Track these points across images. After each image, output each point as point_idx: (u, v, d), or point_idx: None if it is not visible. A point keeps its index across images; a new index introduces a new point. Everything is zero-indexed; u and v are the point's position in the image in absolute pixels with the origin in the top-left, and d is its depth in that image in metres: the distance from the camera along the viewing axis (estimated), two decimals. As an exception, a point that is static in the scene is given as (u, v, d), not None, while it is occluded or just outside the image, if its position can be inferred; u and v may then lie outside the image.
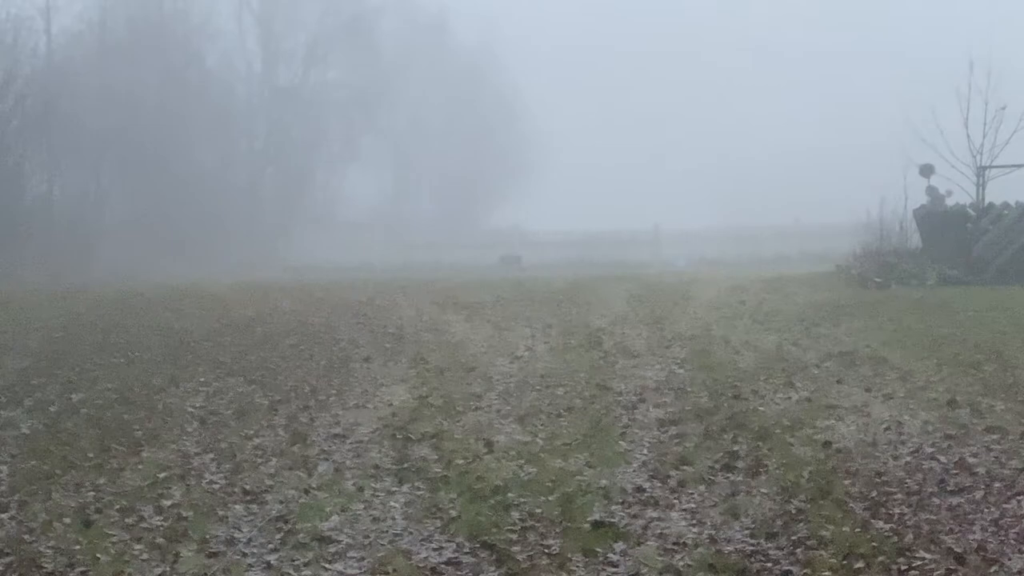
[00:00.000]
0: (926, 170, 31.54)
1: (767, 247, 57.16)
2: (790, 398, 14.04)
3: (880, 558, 7.97)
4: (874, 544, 8.26)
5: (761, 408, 13.47)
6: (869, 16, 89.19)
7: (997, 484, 9.81)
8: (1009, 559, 7.88)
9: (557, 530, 9.04)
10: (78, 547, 8.82)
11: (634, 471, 10.86)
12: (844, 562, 7.94)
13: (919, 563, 7.85)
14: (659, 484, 10.38)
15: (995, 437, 11.52)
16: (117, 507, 9.92)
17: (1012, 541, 8.29)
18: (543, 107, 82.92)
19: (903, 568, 7.78)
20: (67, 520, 9.52)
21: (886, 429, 12.07)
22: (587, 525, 9.11)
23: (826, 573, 7.77)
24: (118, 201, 55.17)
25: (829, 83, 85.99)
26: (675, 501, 9.82)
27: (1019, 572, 7.63)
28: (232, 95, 66.30)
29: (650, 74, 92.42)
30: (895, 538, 8.45)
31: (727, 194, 76.47)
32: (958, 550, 8.05)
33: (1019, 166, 30.82)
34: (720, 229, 66.30)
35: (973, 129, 30.62)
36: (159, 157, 55.14)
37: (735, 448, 11.51)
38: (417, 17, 76.86)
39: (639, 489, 10.19)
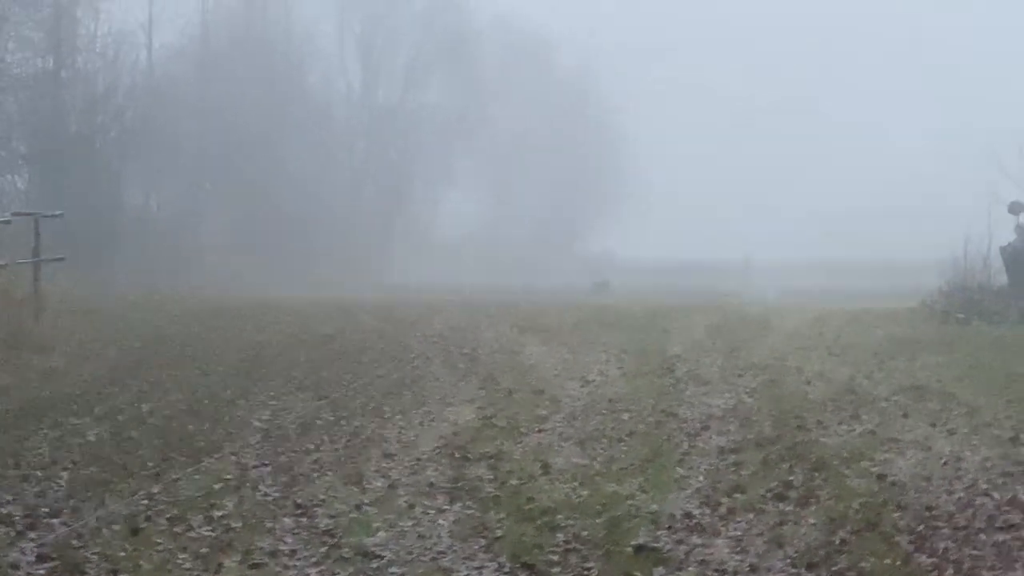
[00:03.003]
0: (1016, 208, 31.15)
1: (858, 281, 56.70)
2: (853, 430, 13.94)
3: (917, 592, 7.91)
4: (912, 578, 8.20)
5: (823, 439, 13.39)
6: (956, 53, 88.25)
7: (1047, 523, 9.71)
8: (1045, 598, 7.80)
9: (599, 553, 9.05)
10: (123, 554, 8.93)
11: (686, 497, 10.85)
12: (880, 595, 7.89)
13: (955, 598, 7.78)
14: (709, 511, 10.35)
15: (1052, 475, 11.41)
16: (168, 516, 10.04)
17: (1052, 579, 8.20)
18: (643, 134, 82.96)
19: (938, 603, 7.72)
20: (116, 527, 9.64)
21: (944, 464, 11.96)
22: (629, 549, 9.10)
23: (862, 604, 7.71)
24: (215, 215, 55.68)
25: (918, 119, 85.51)
26: (722, 528, 9.79)
27: (1054, 611, 7.54)
28: (331, 114, 66.74)
29: (751, 120, 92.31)
30: (935, 572, 8.40)
31: (821, 227, 76.10)
32: (994, 587, 7.98)
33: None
34: (812, 262, 65.97)
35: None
36: (257, 173, 55.65)
37: (790, 478, 11.45)
38: (518, 41, 77.11)
39: (688, 515, 10.17)
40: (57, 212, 26.58)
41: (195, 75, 56.33)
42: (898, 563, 8.58)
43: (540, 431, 14.11)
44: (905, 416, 14.82)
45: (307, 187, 60.62)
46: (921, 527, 9.60)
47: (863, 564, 8.59)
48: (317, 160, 63.17)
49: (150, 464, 11.94)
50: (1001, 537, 9.29)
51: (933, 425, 14.19)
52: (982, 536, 9.33)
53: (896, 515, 9.96)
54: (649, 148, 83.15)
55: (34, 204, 39.95)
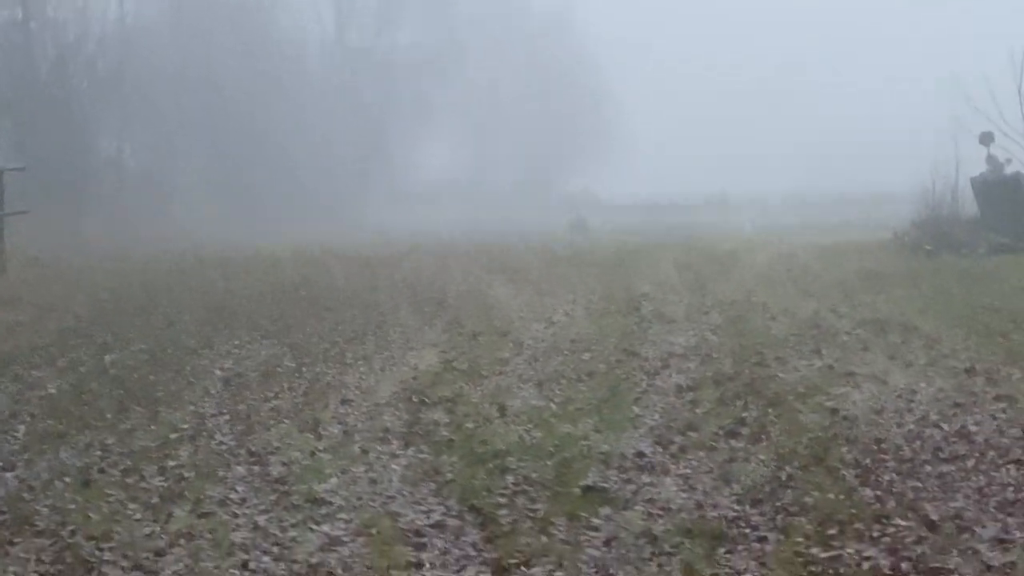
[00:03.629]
0: (986, 138, 31.18)
1: (834, 213, 56.77)
2: (813, 365, 14.02)
3: (856, 525, 7.97)
4: (853, 511, 8.25)
5: (781, 375, 13.46)
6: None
7: (992, 452, 9.78)
8: (984, 527, 7.86)
9: (547, 494, 9.08)
10: (74, 506, 8.94)
11: (640, 436, 10.90)
12: (819, 528, 7.94)
13: (893, 530, 7.84)
14: (661, 450, 10.40)
15: (1002, 406, 11.48)
16: (121, 467, 10.06)
17: (991, 509, 8.26)
18: (622, 73, 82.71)
19: (876, 535, 7.77)
20: (68, 479, 9.66)
21: (898, 397, 12.05)
22: (578, 490, 9.15)
23: (799, 539, 7.77)
24: (190, 164, 55.55)
25: (884, 53, 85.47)
26: (672, 467, 9.84)
27: (991, 539, 7.60)
28: (305, 58, 66.47)
29: (727, 44, 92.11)
30: (877, 505, 8.45)
31: (796, 160, 76.09)
32: (934, 518, 8.04)
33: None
34: (788, 195, 66.02)
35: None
36: (231, 121, 55.47)
37: (744, 415, 11.52)
38: (492, -24, 76.65)
39: (639, 455, 10.22)
40: (19, 166, 26.47)
41: (166, 22, 56.05)
42: (841, 497, 8.64)
43: (500, 373, 14.15)
44: (865, 350, 14.91)
45: (282, 133, 60.43)
46: (868, 460, 9.68)
47: (807, 499, 8.65)
48: (291, 105, 62.92)
49: (107, 415, 11.95)
50: (945, 468, 9.36)
51: (892, 358, 14.28)
52: (927, 468, 9.41)
53: (844, 449, 10.04)
54: (628, 86, 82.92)
55: (4, 156, 39.86)
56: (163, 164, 52.85)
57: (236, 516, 8.79)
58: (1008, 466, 9.35)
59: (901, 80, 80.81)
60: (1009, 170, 31.00)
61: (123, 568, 7.67)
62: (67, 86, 46.90)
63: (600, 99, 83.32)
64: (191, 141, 55.34)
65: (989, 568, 7.10)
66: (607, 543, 7.98)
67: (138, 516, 8.76)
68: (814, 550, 7.55)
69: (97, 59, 48.08)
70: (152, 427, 11.51)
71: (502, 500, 8.98)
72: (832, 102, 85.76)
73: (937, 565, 7.17)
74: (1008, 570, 7.06)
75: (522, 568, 7.55)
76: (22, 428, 11.55)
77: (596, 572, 7.44)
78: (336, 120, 66.64)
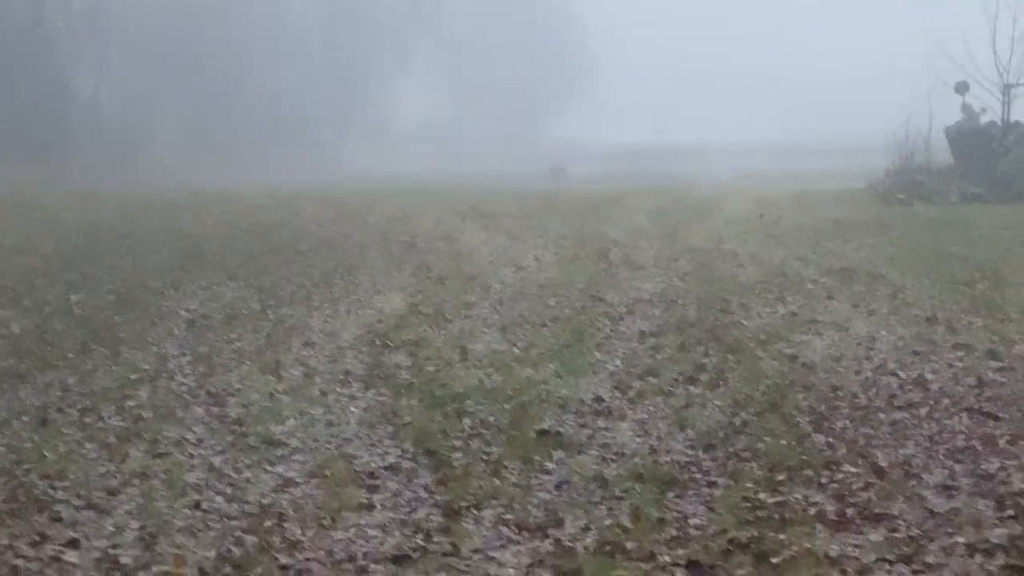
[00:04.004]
0: (961, 87, 31.24)
1: (812, 162, 56.77)
2: (776, 312, 14.06)
3: (806, 471, 8.02)
4: (804, 457, 8.30)
5: (744, 322, 13.50)
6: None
7: (946, 400, 9.83)
8: (931, 473, 7.91)
9: (502, 438, 9.12)
10: (30, 445, 8.95)
11: (599, 381, 10.94)
12: (769, 474, 7.99)
13: (841, 476, 7.89)
14: (619, 395, 10.44)
15: (960, 354, 11.53)
16: (80, 407, 10.06)
17: (940, 456, 8.31)
18: (602, 17, 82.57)
19: (824, 481, 7.82)
20: (26, 418, 9.66)
21: (858, 345, 12.10)
22: (533, 434, 9.18)
23: (748, 484, 7.81)
24: (169, 108, 55.35)
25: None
26: (629, 412, 9.89)
27: (937, 486, 7.65)
28: (288, 5, 66.23)
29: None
30: (828, 452, 8.50)
31: (775, 109, 76.08)
32: (883, 464, 8.09)
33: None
34: (767, 144, 66.04)
35: (1000, 46, 30.46)
36: (212, 65, 55.27)
37: (704, 361, 11.56)
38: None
39: (598, 399, 10.26)
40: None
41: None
42: (793, 443, 8.69)
43: (465, 317, 14.17)
44: (829, 298, 14.96)
45: (262, 77, 60.24)
46: (823, 407, 9.72)
47: (759, 445, 8.70)
48: (272, 48, 62.71)
49: (69, 355, 11.95)
50: (899, 415, 9.41)
51: (855, 306, 14.33)
52: (880, 415, 9.46)
53: (800, 396, 10.09)
54: (610, 35, 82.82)
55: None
56: (141, 107, 52.66)
57: (192, 457, 8.81)
58: (961, 414, 9.40)
59: (877, 29, 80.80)
60: (984, 120, 31.06)
61: (75, 507, 7.67)
62: (43, 27, 46.58)
63: (582, 49, 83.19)
64: (170, 84, 55.10)
65: (933, 514, 7.14)
66: (558, 487, 8.03)
67: (94, 456, 8.78)
68: (762, 495, 7.60)
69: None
70: (113, 367, 11.50)
71: (457, 443, 9.02)
72: (808, 52, 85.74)
73: (881, 511, 7.21)
74: (952, 516, 7.10)
75: (472, 511, 7.58)
76: (-17, 367, 11.53)
77: (545, 515, 7.47)
78: (318, 67, 66.47)
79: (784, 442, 8.72)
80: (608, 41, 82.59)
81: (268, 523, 7.35)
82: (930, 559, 6.42)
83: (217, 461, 8.67)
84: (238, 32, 57.93)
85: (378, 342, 12.69)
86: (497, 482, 8.12)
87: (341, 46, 67.75)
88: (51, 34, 46.73)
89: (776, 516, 7.20)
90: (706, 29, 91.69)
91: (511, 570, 6.61)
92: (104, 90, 51.67)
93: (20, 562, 6.69)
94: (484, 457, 8.67)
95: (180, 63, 54.38)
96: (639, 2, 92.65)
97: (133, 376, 11.16)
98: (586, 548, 6.86)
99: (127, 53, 51.83)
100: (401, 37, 71.30)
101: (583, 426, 9.46)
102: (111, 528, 7.28)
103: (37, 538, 7.08)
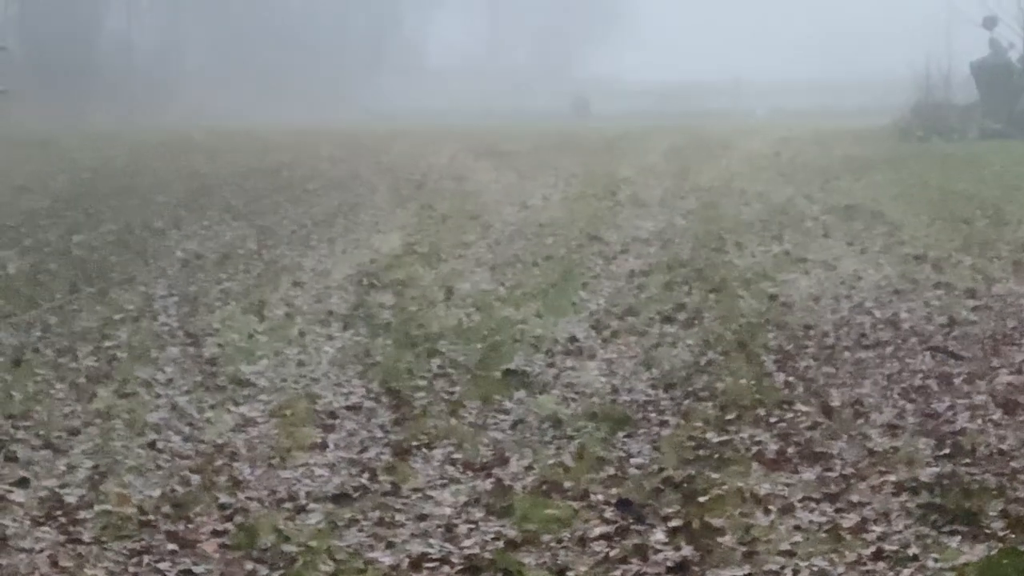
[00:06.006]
0: (989, 22, 30.96)
1: (849, 99, 56.33)
2: (769, 251, 14.07)
3: (758, 410, 8.03)
4: (759, 396, 8.31)
5: (736, 260, 13.52)
6: None
7: (913, 339, 9.83)
8: (880, 412, 7.92)
9: (467, 378, 9.17)
10: (0, 385, 9.05)
11: (578, 321, 10.96)
12: (720, 413, 8.02)
13: (791, 416, 7.91)
14: (594, 334, 10.47)
15: (939, 293, 11.51)
16: (57, 347, 10.14)
17: (895, 395, 8.32)
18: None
19: (773, 420, 7.84)
20: (0, 359, 9.76)
21: (841, 283, 12.09)
22: (498, 374, 9.23)
23: (698, 423, 7.85)
24: (198, 44, 55.38)
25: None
26: (599, 351, 9.92)
27: (883, 425, 7.67)
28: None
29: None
30: (785, 391, 8.53)
31: (813, 47, 75.56)
32: (835, 404, 8.11)
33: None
34: (804, 80, 65.47)
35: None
36: (244, 1, 55.22)
37: (685, 300, 11.58)
38: None
39: (572, 339, 10.29)
40: (1, 46, 26.40)
41: None
42: (752, 382, 8.71)
43: (460, 257, 14.21)
44: (825, 236, 14.95)
45: (294, 12, 60.17)
46: (791, 346, 9.75)
47: (718, 384, 8.73)
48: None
49: (57, 296, 12.03)
50: (864, 355, 9.42)
51: (849, 244, 14.32)
52: (846, 354, 9.47)
53: (771, 335, 10.10)
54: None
55: (11, 34, 39.80)
56: (171, 44, 52.69)
57: (158, 397, 8.88)
58: (924, 353, 9.41)
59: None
60: (1013, 55, 30.80)
61: (32, 447, 7.76)
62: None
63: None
64: (200, 21, 55.11)
65: (871, 453, 7.17)
66: (513, 426, 8.08)
67: (61, 396, 8.86)
68: (709, 434, 7.64)
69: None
70: (98, 308, 11.58)
71: (422, 383, 9.07)
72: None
73: (822, 450, 7.25)
74: (890, 454, 7.12)
75: (423, 450, 7.64)
76: (-29, 308, 11.63)
77: (493, 454, 7.53)
78: (351, 2, 66.26)
79: (744, 381, 8.74)
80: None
81: (218, 462, 7.42)
82: (855, 498, 6.45)
83: (182, 401, 8.74)
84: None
85: (365, 282, 12.73)
86: (453, 421, 8.17)
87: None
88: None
89: (717, 456, 7.24)
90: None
91: (447, 509, 6.66)
92: (134, 28, 51.70)
93: (-36, 501, 6.79)
94: (446, 397, 8.73)
95: (211, 2, 54.39)
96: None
97: (116, 317, 11.24)
98: (524, 487, 6.91)
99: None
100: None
101: (551, 366, 9.50)
102: (63, 468, 7.36)
103: (-12, 477, 7.18)
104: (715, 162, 23.70)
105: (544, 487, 6.88)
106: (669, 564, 5.79)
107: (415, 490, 6.95)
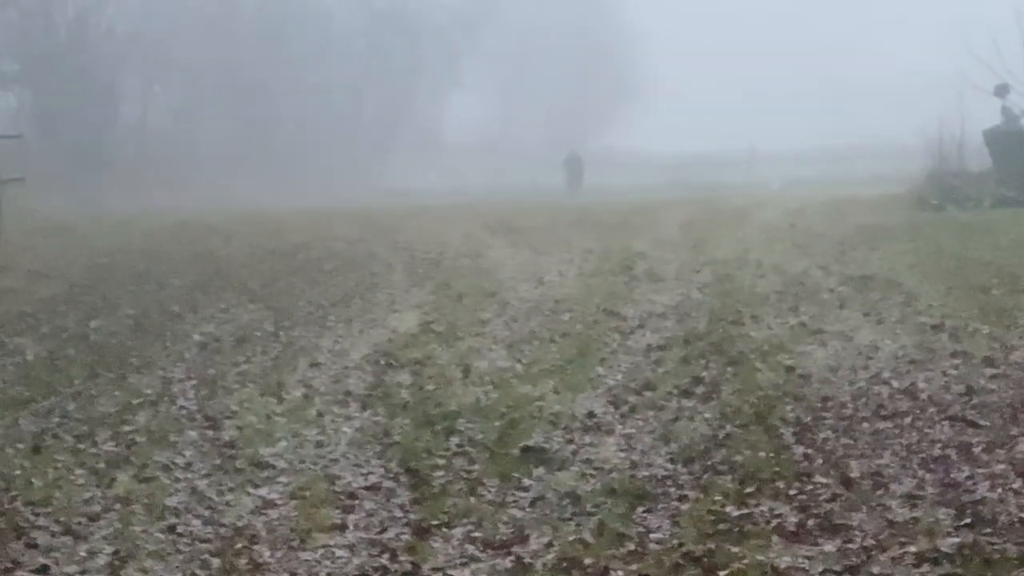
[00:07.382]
0: (1001, 90, 31.12)
1: (863, 167, 56.57)
2: (786, 323, 14.04)
3: (777, 483, 8.04)
4: (777, 469, 8.31)
5: (752, 333, 13.49)
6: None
7: (932, 409, 9.80)
8: (900, 483, 7.91)
9: (486, 456, 9.17)
10: (19, 472, 9.07)
11: (596, 396, 10.95)
12: (740, 486, 8.01)
13: (810, 488, 7.91)
14: (612, 410, 10.46)
15: (957, 362, 11.48)
16: (75, 433, 10.16)
17: (914, 466, 8.31)
18: (652, 29, 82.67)
19: (792, 493, 7.84)
20: (21, 445, 9.79)
21: (858, 354, 12.07)
22: (517, 451, 9.23)
23: (718, 497, 7.84)
24: (213, 128, 55.73)
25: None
26: (618, 427, 9.91)
27: (902, 496, 7.65)
28: (330, 19, 66.50)
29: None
30: (804, 463, 8.51)
31: (826, 115, 75.91)
32: (854, 475, 8.10)
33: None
34: (818, 149, 65.82)
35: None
36: (255, 84, 55.61)
37: (703, 374, 11.56)
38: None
39: (590, 415, 10.28)
40: (15, 134, 26.61)
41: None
42: (771, 455, 8.70)
43: (477, 335, 14.21)
44: (842, 307, 14.93)
45: (307, 96, 60.55)
46: (809, 418, 9.73)
47: (737, 457, 8.72)
48: (317, 66, 63.03)
49: (76, 382, 12.07)
50: (882, 425, 9.41)
51: (866, 315, 14.30)
52: (864, 425, 9.46)
53: (789, 407, 10.08)
54: (658, 44, 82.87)
55: (26, 122, 40.09)
56: (185, 128, 53.04)
57: (177, 480, 8.90)
58: (943, 423, 9.39)
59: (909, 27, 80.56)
60: (1024, 123, 30.92)
61: (53, 533, 7.79)
62: (87, 50, 47.06)
63: (629, 58, 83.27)
64: (213, 105, 55.49)
65: (891, 524, 7.16)
66: (532, 503, 8.08)
67: (81, 481, 8.88)
68: (728, 508, 7.63)
69: (117, 22, 48.19)
70: (116, 393, 11.62)
71: (441, 462, 9.08)
72: (865, 53, 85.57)
73: (842, 522, 7.24)
74: (911, 525, 7.11)
75: (443, 528, 7.65)
76: (-10, 396, 11.67)
77: (512, 532, 7.52)
78: (362, 81, 66.74)
79: (763, 454, 8.74)
80: (659, 50, 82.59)
81: (238, 545, 7.43)
82: (876, 569, 6.45)
83: (202, 484, 8.76)
84: (283, 51, 58.27)
85: (383, 361, 12.75)
86: (473, 500, 8.18)
87: (388, 61, 68.00)
88: (95, 58, 47.16)
89: (737, 529, 7.24)
90: (761, 40, 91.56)
91: (468, 588, 6.67)
92: (149, 113, 52.07)
93: (-14, 590, 6.81)
94: (465, 475, 8.73)
95: (225, 84, 54.76)
96: (688, 8, 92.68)
97: (135, 401, 11.26)
98: (544, 564, 6.92)
99: (170, 76, 52.28)
100: (450, 51, 71.61)
101: (569, 442, 9.50)
102: (83, 553, 7.39)
103: (10, 565, 7.20)
104: (730, 234, 23.73)
105: (564, 564, 6.88)
106: (692, 639, 5.78)
107: (435, 569, 6.96)
